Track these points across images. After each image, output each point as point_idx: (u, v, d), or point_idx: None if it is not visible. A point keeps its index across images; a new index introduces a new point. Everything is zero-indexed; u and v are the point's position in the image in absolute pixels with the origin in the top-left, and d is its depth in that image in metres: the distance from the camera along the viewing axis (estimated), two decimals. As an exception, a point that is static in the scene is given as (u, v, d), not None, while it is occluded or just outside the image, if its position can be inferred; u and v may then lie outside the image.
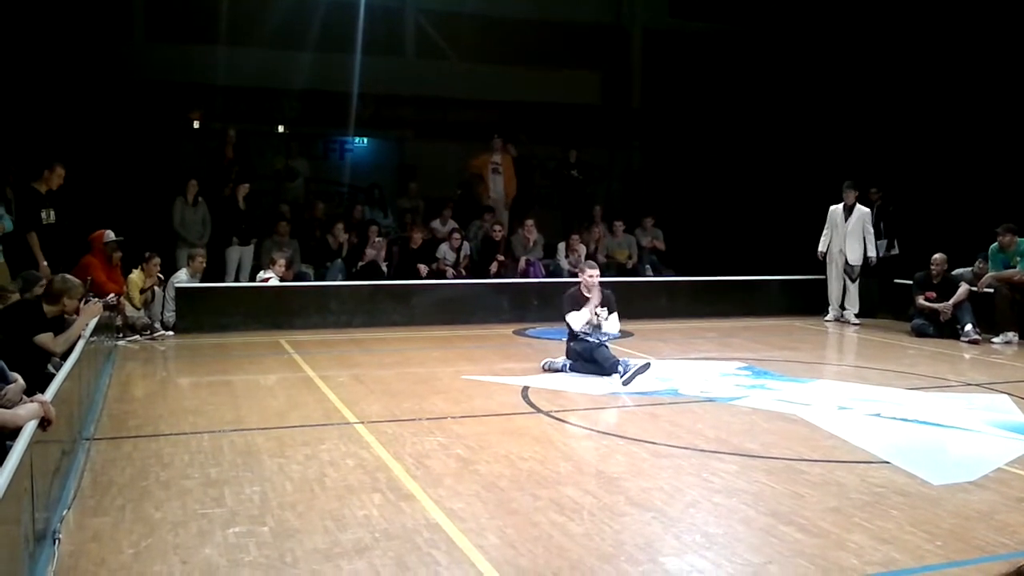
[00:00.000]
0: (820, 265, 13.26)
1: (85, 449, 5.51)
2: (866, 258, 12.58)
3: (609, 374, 7.94)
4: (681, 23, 16.95)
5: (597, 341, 8.35)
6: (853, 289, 12.69)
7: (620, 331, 8.91)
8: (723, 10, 16.75)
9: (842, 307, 12.77)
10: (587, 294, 8.48)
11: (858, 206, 12.57)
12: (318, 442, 5.77)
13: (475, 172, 14.85)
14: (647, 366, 7.90)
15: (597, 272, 8.62)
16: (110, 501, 4.59)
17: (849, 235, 12.54)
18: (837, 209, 12.69)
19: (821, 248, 12.80)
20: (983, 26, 12.68)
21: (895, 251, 13.49)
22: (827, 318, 12.88)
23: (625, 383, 7.69)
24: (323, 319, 11.80)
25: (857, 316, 12.62)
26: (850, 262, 12.57)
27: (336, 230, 13.26)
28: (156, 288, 10.98)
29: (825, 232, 12.78)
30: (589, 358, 8.26)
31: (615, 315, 8.56)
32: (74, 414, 5.48)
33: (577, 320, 8.41)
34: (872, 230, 12.59)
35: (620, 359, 8.02)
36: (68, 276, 6.66)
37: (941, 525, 4.30)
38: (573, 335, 8.56)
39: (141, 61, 14.53)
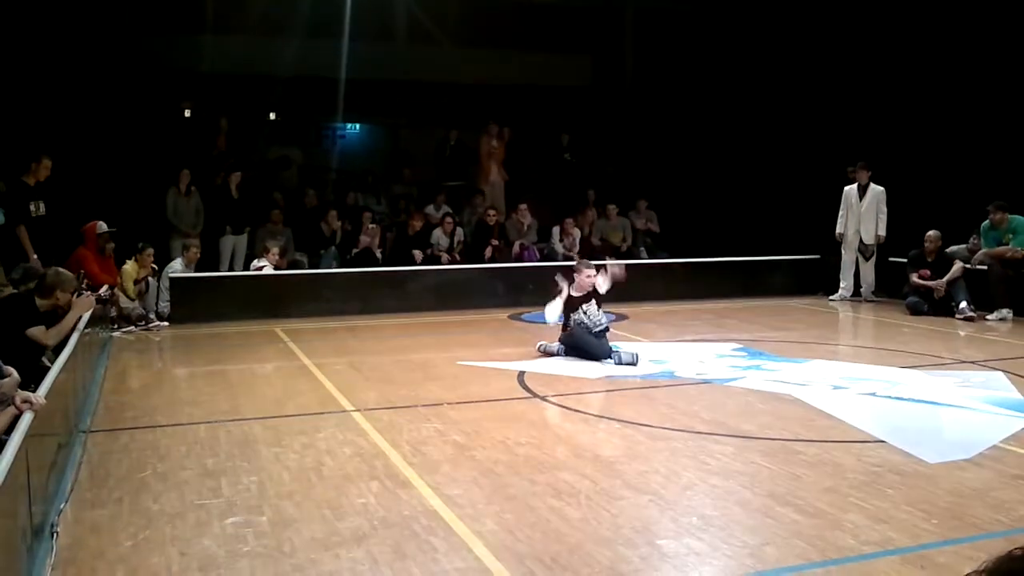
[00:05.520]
0: (815, 245, 13.22)
1: (82, 442, 5.50)
2: (876, 235, 12.48)
3: (602, 360, 7.96)
4: (673, 2, 16.86)
5: (592, 330, 8.29)
6: (868, 268, 12.67)
7: (615, 315, 8.88)
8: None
9: (858, 286, 12.76)
10: (576, 293, 8.35)
11: (872, 185, 12.49)
12: (315, 431, 5.77)
13: (483, 153, 14.75)
14: (636, 358, 7.89)
15: (594, 272, 8.42)
16: (107, 494, 4.59)
17: (864, 215, 12.51)
18: (851, 189, 12.64)
19: (839, 230, 12.73)
20: (976, 6, 12.63)
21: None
22: (834, 297, 12.86)
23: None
24: (318, 307, 11.76)
25: (874, 293, 12.62)
26: (865, 241, 12.55)
27: (329, 217, 13.21)
28: (150, 279, 10.94)
29: (841, 213, 12.72)
30: (584, 347, 8.21)
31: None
32: (70, 407, 5.48)
33: (551, 312, 8.41)
34: (886, 209, 12.46)
35: (613, 346, 8.03)
36: (61, 270, 6.63)
37: (937, 503, 4.31)
38: (566, 326, 8.47)
39: (130, 51, 14.43)
